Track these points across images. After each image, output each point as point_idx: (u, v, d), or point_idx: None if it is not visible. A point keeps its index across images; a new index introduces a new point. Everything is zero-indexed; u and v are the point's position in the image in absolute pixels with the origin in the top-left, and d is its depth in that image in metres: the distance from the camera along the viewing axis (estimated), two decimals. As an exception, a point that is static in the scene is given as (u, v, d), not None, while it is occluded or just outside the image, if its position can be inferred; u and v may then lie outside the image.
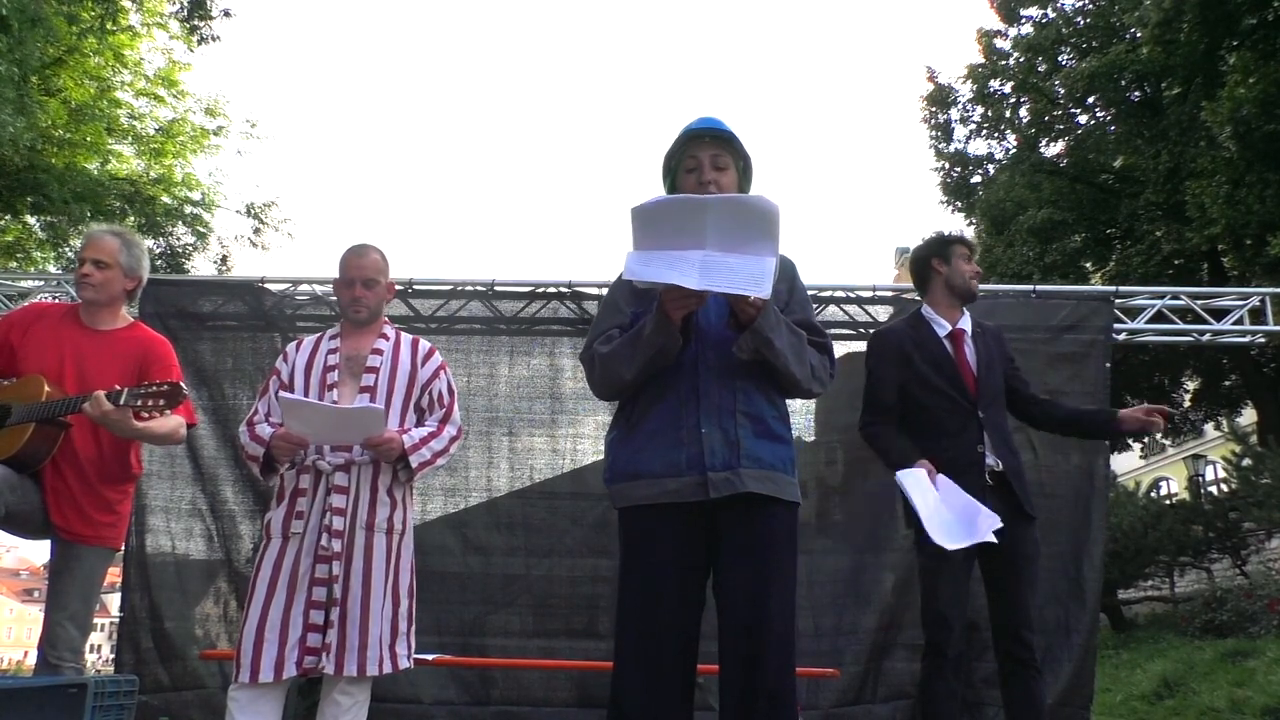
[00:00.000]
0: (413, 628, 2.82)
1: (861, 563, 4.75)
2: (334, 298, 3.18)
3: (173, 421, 2.89)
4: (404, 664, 2.75)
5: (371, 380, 2.82)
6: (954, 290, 3.20)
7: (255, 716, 2.59)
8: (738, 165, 2.22)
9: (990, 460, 2.99)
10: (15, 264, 11.71)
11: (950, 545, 2.76)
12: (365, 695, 2.72)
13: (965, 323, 3.19)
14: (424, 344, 3.00)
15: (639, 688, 1.97)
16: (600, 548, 4.68)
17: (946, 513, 2.81)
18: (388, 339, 2.93)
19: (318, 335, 2.98)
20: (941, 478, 2.89)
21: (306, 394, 2.81)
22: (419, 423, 2.89)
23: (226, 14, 11.26)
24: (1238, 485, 10.62)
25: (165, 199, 12.29)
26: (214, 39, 11.34)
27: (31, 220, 11.76)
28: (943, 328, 3.16)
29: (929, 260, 3.26)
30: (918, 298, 5.16)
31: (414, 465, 2.75)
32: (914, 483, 2.86)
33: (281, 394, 2.74)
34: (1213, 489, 15.21)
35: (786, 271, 2.19)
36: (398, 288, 5.05)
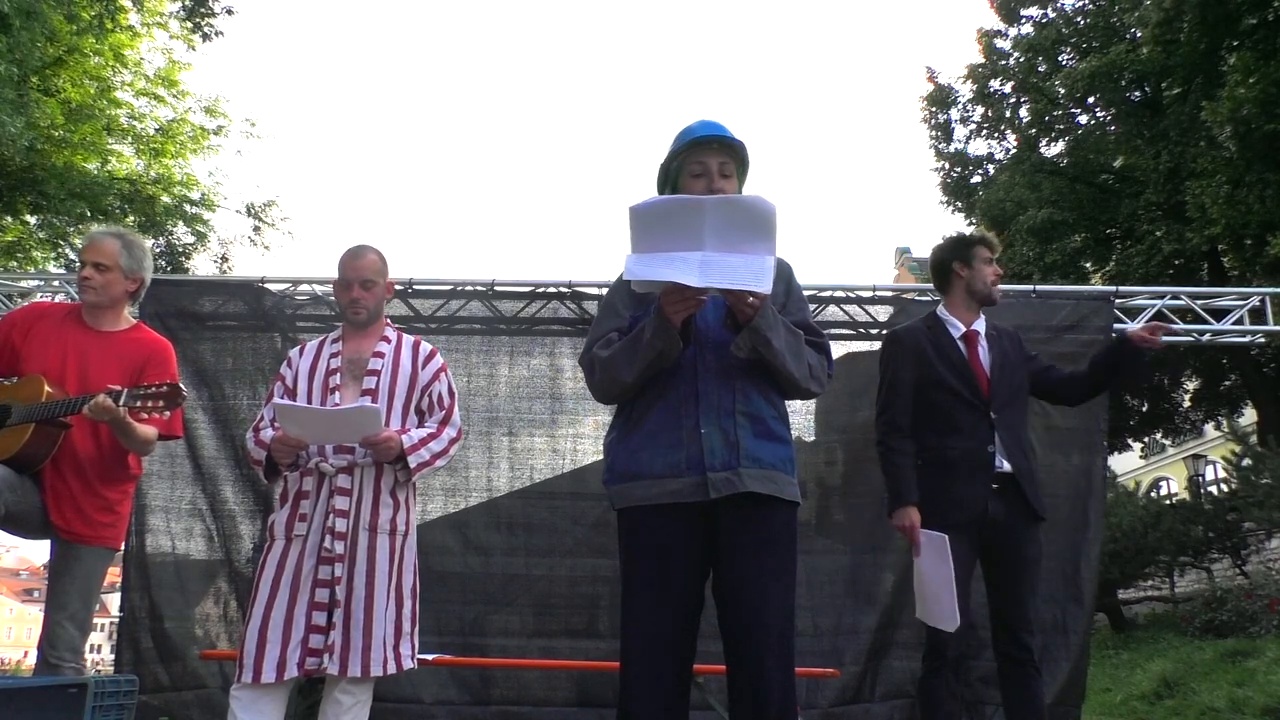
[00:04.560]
0: (416, 628, 2.83)
1: (861, 563, 4.76)
2: (334, 298, 3.19)
3: (151, 432, 2.89)
4: (407, 664, 2.76)
5: (373, 383, 2.84)
6: (974, 295, 3.20)
7: (257, 716, 2.60)
8: (740, 173, 2.22)
9: (999, 461, 2.99)
10: (15, 264, 11.69)
11: (945, 626, 2.85)
12: (367, 695, 2.73)
13: (980, 325, 3.19)
14: (425, 346, 3.01)
15: (646, 690, 1.97)
16: (600, 548, 4.68)
17: (943, 593, 2.83)
18: (389, 341, 2.94)
19: (320, 339, 3.00)
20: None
21: (309, 398, 2.83)
22: (419, 425, 2.90)
23: (229, 11, 11.29)
24: (1238, 485, 10.63)
25: (165, 199, 12.28)
26: (217, 34, 11.35)
27: (31, 220, 11.75)
28: (957, 329, 3.17)
29: (950, 263, 3.25)
30: (918, 298, 5.23)
31: (412, 466, 2.77)
32: (937, 550, 2.86)
33: (276, 401, 2.77)
34: (1213, 489, 15.20)
35: (783, 273, 2.19)
36: (398, 288, 5.06)
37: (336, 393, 2.81)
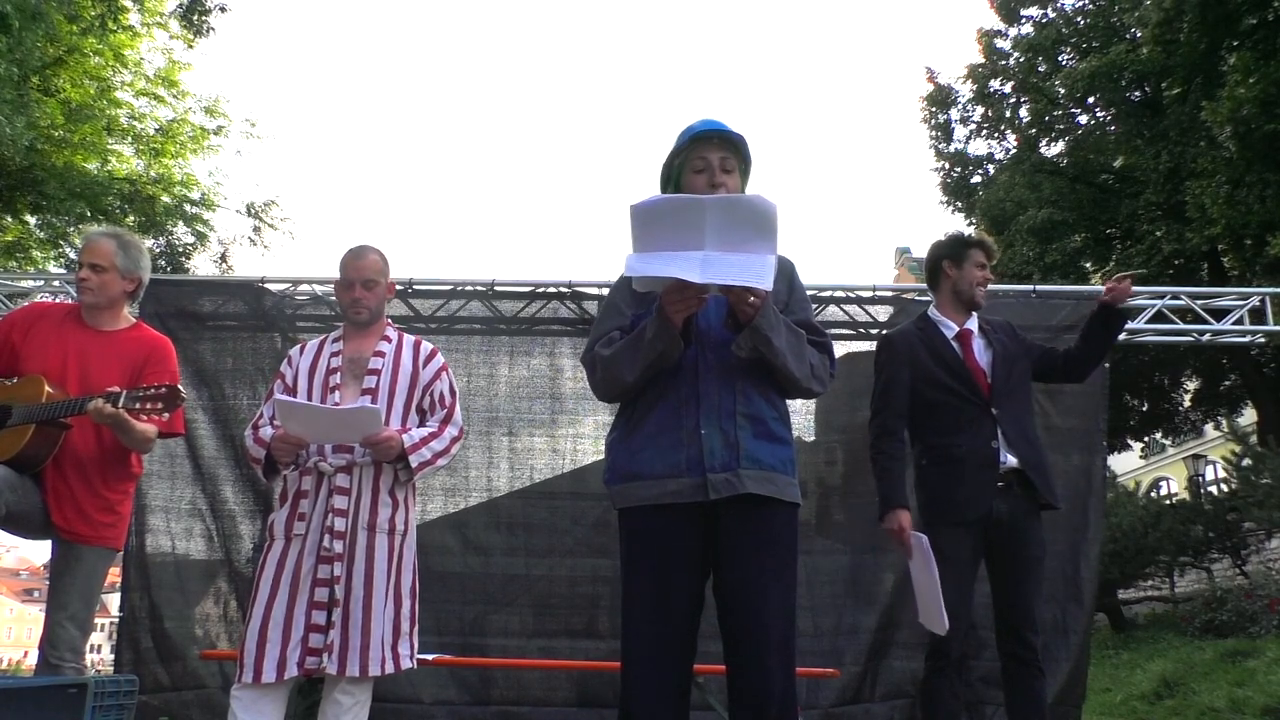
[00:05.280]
0: (415, 628, 2.83)
1: (861, 563, 4.76)
2: (334, 298, 3.19)
3: (150, 430, 2.89)
4: (406, 664, 2.76)
5: (373, 382, 2.84)
6: (959, 296, 3.18)
7: (258, 716, 2.61)
8: (741, 169, 2.22)
9: (1004, 457, 2.98)
10: (15, 264, 11.69)
11: (935, 629, 2.84)
12: (367, 695, 2.73)
13: (973, 324, 3.19)
14: (426, 345, 3.01)
15: (648, 691, 1.97)
16: (600, 548, 4.68)
17: (935, 594, 2.83)
18: (390, 341, 2.94)
19: (321, 338, 3.00)
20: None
21: (310, 397, 2.83)
22: (421, 424, 2.90)
23: (222, 9, 11.30)
24: (1238, 485, 10.62)
25: (165, 199, 12.28)
26: (210, 30, 11.36)
27: (31, 220, 11.75)
28: (950, 329, 3.16)
29: (940, 262, 3.24)
30: (918, 298, 5.23)
31: (414, 465, 2.76)
32: (924, 554, 2.85)
33: (277, 397, 2.77)
34: (1213, 489, 15.20)
35: (785, 271, 2.19)
36: (398, 288, 5.06)
37: (336, 392, 2.81)
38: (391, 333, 2.98)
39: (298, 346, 3.02)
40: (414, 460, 2.76)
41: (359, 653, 2.62)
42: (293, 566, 2.68)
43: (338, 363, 2.87)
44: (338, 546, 2.67)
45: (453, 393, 2.98)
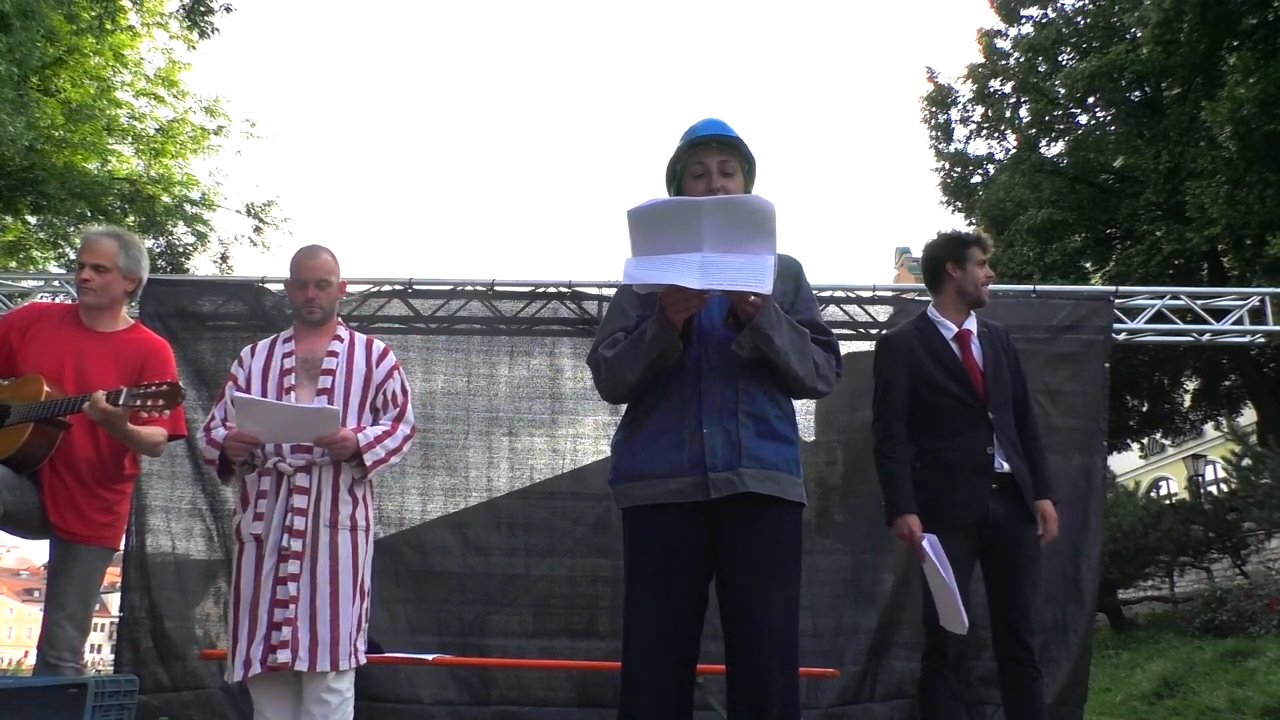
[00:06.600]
0: (366, 625, 2.87)
1: (861, 563, 4.76)
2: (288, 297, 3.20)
3: (159, 433, 2.91)
4: (363, 660, 2.81)
5: (328, 382, 2.87)
6: (964, 296, 3.17)
7: (267, 710, 2.69)
8: (743, 169, 2.22)
9: (999, 462, 2.98)
10: (15, 264, 11.69)
11: (957, 630, 2.79)
12: (351, 691, 2.77)
13: (972, 324, 3.18)
14: (378, 344, 3.04)
15: (649, 690, 1.97)
16: (600, 548, 4.68)
17: (952, 595, 2.79)
18: (342, 340, 2.97)
19: (271, 338, 3.04)
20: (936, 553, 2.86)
21: (265, 397, 2.86)
22: (374, 422, 2.93)
23: (227, 9, 11.31)
24: (1238, 485, 10.63)
25: (165, 199, 12.28)
26: (214, 31, 11.38)
27: (32, 220, 11.76)
28: (949, 329, 3.15)
29: (943, 263, 3.20)
30: (918, 298, 5.23)
31: (368, 464, 2.80)
32: (937, 554, 2.83)
33: (236, 394, 2.81)
34: (1213, 489, 15.21)
35: (792, 270, 2.20)
36: (398, 288, 5.07)
37: (291, 393, 2.85)
38: (343, 332, 3.02)
39: (248, 347, 3.05)
40: (368, 459, 2.79)
41: (329, 647, 2.66)
42: (258, 567, 2.72)
43: (291, 363, 2.90)
44: (296, 545, 2.70)
45: (404, 391, 3.01)
